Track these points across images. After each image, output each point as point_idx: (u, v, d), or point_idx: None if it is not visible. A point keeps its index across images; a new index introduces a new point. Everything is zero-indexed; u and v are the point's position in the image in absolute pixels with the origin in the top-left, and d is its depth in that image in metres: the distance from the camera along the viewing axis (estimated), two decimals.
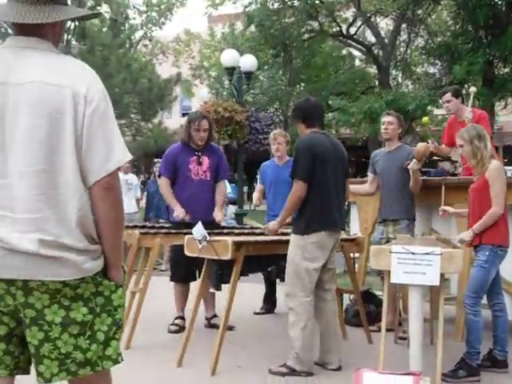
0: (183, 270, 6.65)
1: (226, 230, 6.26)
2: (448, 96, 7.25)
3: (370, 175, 6.89)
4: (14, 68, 2.45)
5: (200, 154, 6.70)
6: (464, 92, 7.84)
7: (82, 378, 2.59)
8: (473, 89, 7.61)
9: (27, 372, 2.65)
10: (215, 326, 6.36)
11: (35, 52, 2.49)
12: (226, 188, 7.21)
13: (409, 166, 6.26)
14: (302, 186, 5.23)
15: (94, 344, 2.54)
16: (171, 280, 6.80)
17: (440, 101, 7.42)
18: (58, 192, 2.44)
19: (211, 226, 6.26)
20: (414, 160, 6.22)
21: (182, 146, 6.78)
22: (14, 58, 2.48)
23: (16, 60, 2.47)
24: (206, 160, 6.70)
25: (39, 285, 2.44)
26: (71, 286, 2.48)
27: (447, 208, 5.70)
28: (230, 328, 6.39)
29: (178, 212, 6.49)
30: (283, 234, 5.70)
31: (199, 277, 6.36)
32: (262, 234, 6.02)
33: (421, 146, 6.35)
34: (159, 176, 7.07)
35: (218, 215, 6.60)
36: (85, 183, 2.48)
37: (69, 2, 2.67)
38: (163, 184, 6.75)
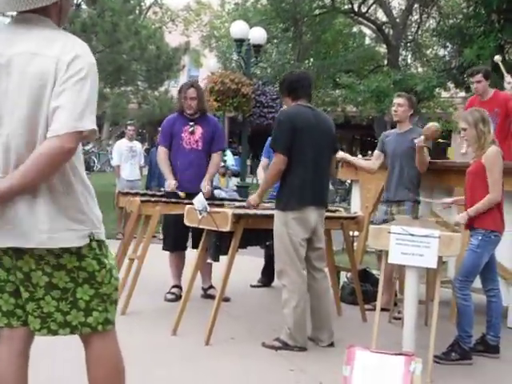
0: (173, 238, 6.71)
1: (226, 202, 6.27)
2: (479, 77, 7.19)
3: (376, 152, 6.81)
4: (11, 41, 2.57)
5: (193, 123, 6.72)
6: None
7: (85, 338, 2.77)
8: (497, 57, 7.65)
9: None
10: (211, 297, 6.40)
11: (33, 27, 2.59)
12: (221, 160, 7.19)
13: (416, 141, 6.16)
14: (282, 159, 5.19)
15: (74, 309, 2.69)
16: (163, 249, 6.85)
17: (470, 79, 7.30)
18: None
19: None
20: (423, 137, 6.14)
21: (178, 115, 6.86)
22: (14, 31, 2.60)
23: (15, 34, 2.59)
24: (199, 129, 6.71)
25: (28, 248, 2.58)
26: (54, 255, 2.60)
27: (445, 200, 5.71)
28: (226, 299, 6.42)
29: (169, 184, 6.56)
30: None
31: (194, 247, 6.42)
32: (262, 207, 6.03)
33: (432, 124, 6.28)
34: (158, 145, 7.12)
35: (204, 186, 6.56)
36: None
37: None
38: (161, 153, 6.82)
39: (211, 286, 6.84)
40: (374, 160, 6.78)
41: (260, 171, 7.76)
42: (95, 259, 2.68)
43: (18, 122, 2.51)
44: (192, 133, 6.68)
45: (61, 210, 2.56)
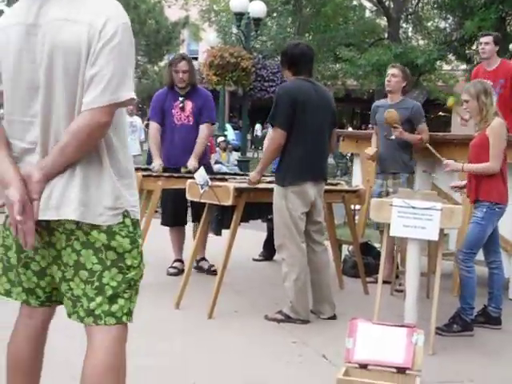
0: (171, 213, 6.74)
1: (227, 177, 6.27)
2: (489, 38, 7.08)
3: (374, 127, 6.80)
4: (42, 9, 2.43)
5: (184, 98, 6.64)
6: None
7: (91, 330, 2.55)
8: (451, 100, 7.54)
9: (61, 303, 2.65)
10: (201, 269, 6.67)
11: None
12: (210, 133, 7.08)
13: (394, 137, 6.26)
14: (282, 134, 5.16)
15: (99, 296, 2.50)
16: (161, 224, 6.87)
17: (479, 40, 7.15)
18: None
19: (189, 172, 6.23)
20: (396, 133, 6.23)
21: (168, 90, 6.76)
22: None
23: (44, 1, 2.44)
24: (189, 104, 6.63)
25: (58, 224, 2.45)
26: (84, 231, 2.45)
27: (456, 183, 5.63)
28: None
29: (155, 164, 6.51)
30: None
31: (194, 220, 6.44)
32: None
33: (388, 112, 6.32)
34: (148, 121, 7.11)
35: (191, 163, 6.43)
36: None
37: None
38: (152, 130, 6.78)
39: (203, 258, 6.87)
40: (376, 135, 6.75)
41: (266, 143, 7.73)
42: (128, 237, 2.52)
43: (55, 94, 2.41)
44: (182, 109, 6.61)
45: (95, 186, 2.44)
